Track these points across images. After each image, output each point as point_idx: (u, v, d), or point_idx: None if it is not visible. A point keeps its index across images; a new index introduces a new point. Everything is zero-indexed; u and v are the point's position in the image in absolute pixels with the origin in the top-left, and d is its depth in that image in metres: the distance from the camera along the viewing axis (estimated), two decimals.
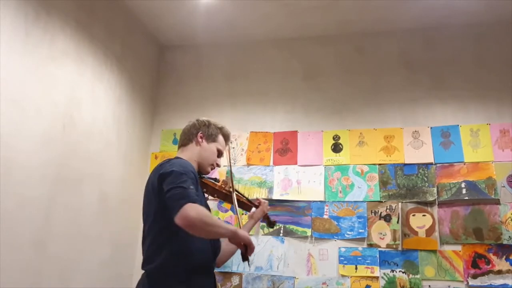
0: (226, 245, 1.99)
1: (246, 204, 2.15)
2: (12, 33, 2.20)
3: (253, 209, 2.19)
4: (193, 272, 1.67)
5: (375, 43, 3.45)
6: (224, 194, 2.01)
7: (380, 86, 3.35)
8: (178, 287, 1.64)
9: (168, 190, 1.59)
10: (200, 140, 1.90)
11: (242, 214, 3.14)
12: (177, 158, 1.84)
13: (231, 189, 2.02)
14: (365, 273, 2.93)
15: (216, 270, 3.01)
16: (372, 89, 3.35)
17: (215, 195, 1.99)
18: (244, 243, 1.66)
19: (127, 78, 3.27)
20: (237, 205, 2.00)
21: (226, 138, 1.99)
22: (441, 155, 3.07)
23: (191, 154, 1.88)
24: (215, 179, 2.01)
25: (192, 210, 1.50)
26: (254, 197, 2.97)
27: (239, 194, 2.11)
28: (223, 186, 2.02)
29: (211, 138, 1.92)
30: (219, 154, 1.96)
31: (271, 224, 2.27)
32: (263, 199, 2.27)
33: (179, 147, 1.95)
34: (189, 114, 3.47)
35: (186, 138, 1.93)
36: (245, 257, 1.71)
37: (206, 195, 1.97)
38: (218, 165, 1.97)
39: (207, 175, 1.98)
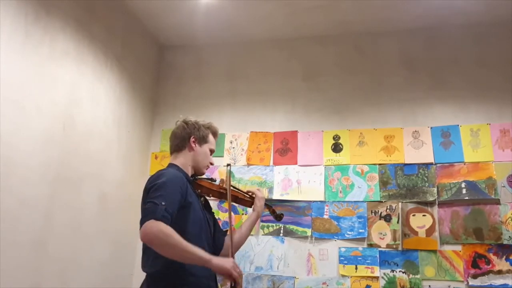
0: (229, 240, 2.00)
1: (244, 201, 2.09)
2: (12, 33, 2.20)
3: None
4: (192, 278, 1.68)
5: (375, 43, 3.45)
6: (218, 193, 1.97)
7: (380, 86, 3.34)
8: None
9: (144, 203, 1.63)
10: (193, 145, 1.90)
11: (243, 213, 3.17)
12: (171, 165, 1.85)
13: (225, 187, 1.98)
14: (365, 273, 2.93)
15: None
16: (372, 89, 3.35)
17: (210, 195, 1.96)
18: (222, 273, 1.59)
19: (127, 78, 3.27)
20: (232, 202, 1.96)
21: (215, 135, 2.01)
22: (441, 155, 3.07)
23: (185, 160, 1.89)
24: (211, 179, 2.00)
25: (153, 226, 1.47)
26: None
27: (236, 191, 2.07)
28: (219, 185, 1.99)
29: (203, 141, 1.93)
30: (211, 153, 1.97)
31: (278, 217, 2.20)
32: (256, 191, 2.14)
33: (172, 152, 1.94)
34: (189, 114, 3.36)
35: (179, 143, 1.92)
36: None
37: (204, 197, 1.95)
38: (212, 164, 1.99)
39: (203, 176, 1.98)
